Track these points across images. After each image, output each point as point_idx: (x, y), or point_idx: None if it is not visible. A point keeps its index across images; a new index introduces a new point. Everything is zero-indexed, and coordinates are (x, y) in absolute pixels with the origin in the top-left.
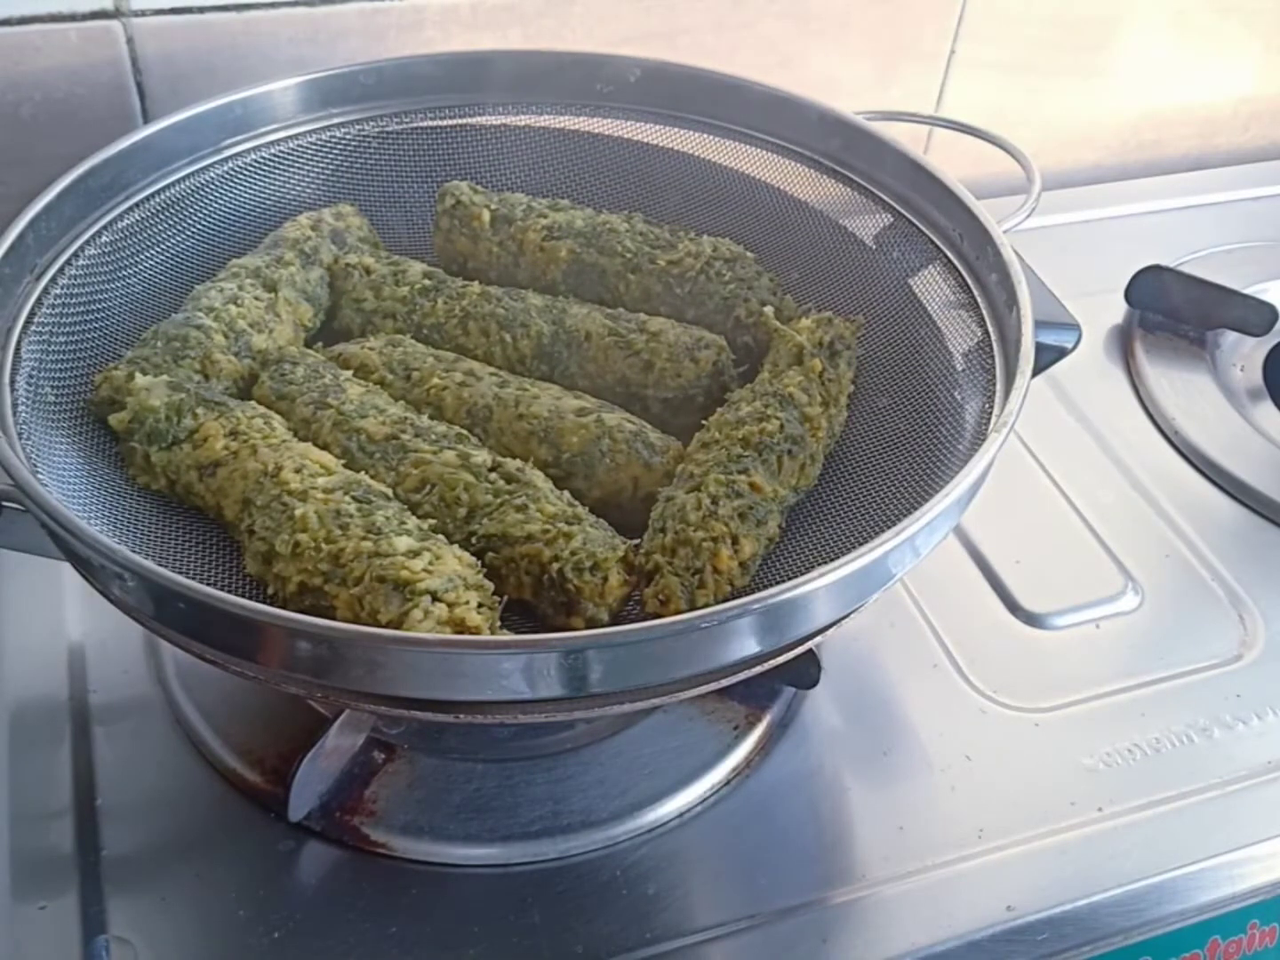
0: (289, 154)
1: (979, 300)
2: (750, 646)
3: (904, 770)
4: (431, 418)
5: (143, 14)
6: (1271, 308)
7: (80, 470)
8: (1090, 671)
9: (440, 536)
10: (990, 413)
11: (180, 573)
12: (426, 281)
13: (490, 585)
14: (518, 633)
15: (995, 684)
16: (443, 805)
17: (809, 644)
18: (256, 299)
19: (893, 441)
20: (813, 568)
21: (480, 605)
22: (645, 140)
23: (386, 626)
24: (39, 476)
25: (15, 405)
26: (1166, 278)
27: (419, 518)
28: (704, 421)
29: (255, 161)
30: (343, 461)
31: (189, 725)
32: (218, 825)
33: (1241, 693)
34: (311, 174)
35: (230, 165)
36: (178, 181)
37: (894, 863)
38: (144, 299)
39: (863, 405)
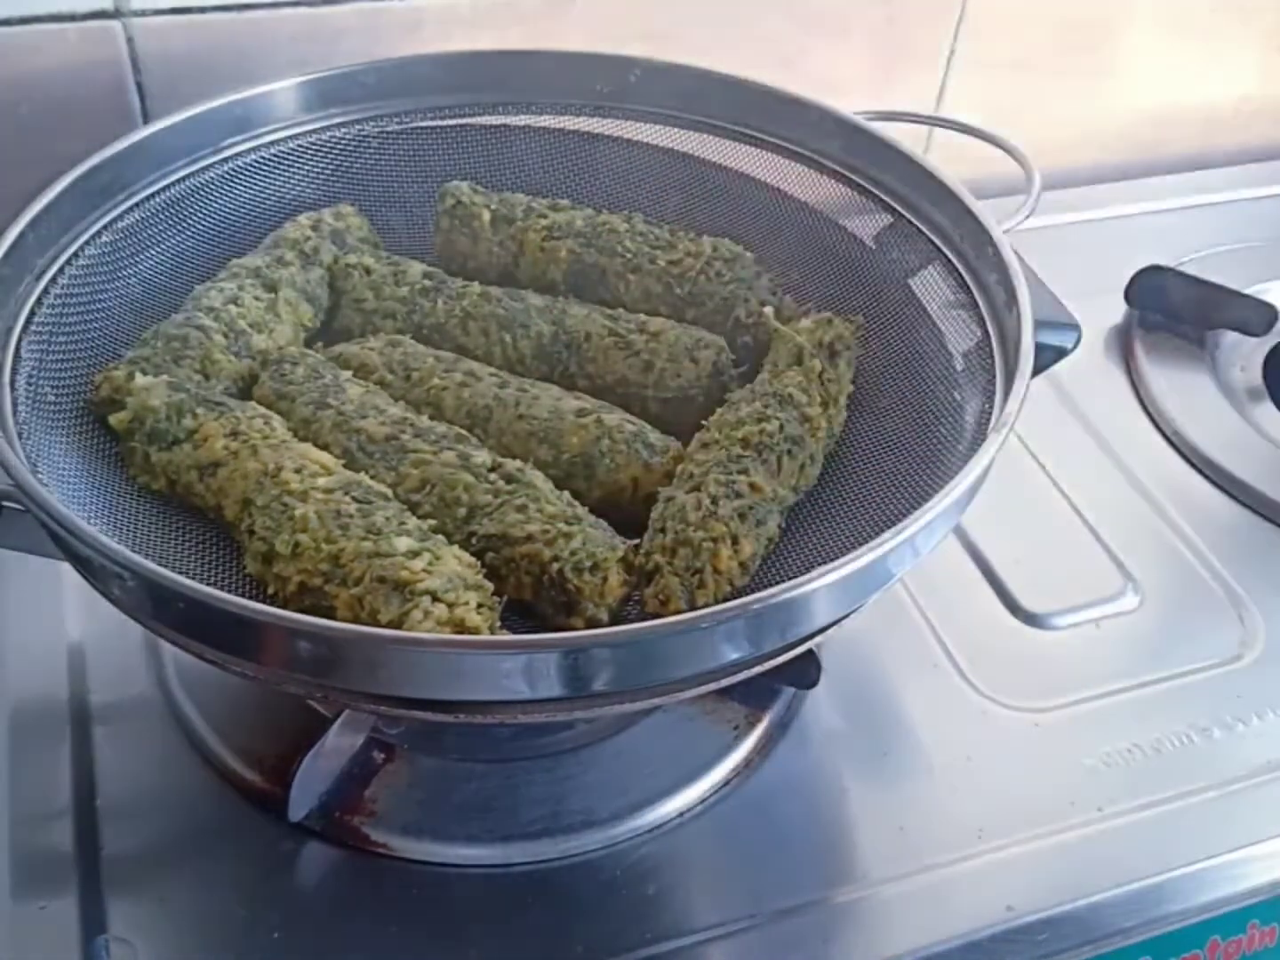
0: (289, 154)
1: (979, 300)
2: (750, 647)
3: (904, 770)
4: (431, 418)
5: (143, 14)
6: (1271, 308)
7: (80, 470)
8: (1090, 671)
9: (440, 537)
10: (990, 413)
11: (180, 573)
12: (426, 282)
13: (490, 585)
14: (518, 633)
15: (995, 684)
16: (443, 805)
17: (809, 644)
18: (256, 299)
19: (892, 442)
20: (813, 568)
21: (480, 605)
22: (645, 140)
23: (386, 626)
24: (39, 476)
25: (15, 405)
26: (1166, 278)
27: (419, 518)
28: (704, 421)
29: (255, 162)
30: (343, 462)
31: (189, 725)
32: (217, 825)
33: (1242, 693)
34: (311, 174)
35: (230, 165)
36: (178, 182)
37: (894, 863)
38: (144, 299)
39: (863, 405)
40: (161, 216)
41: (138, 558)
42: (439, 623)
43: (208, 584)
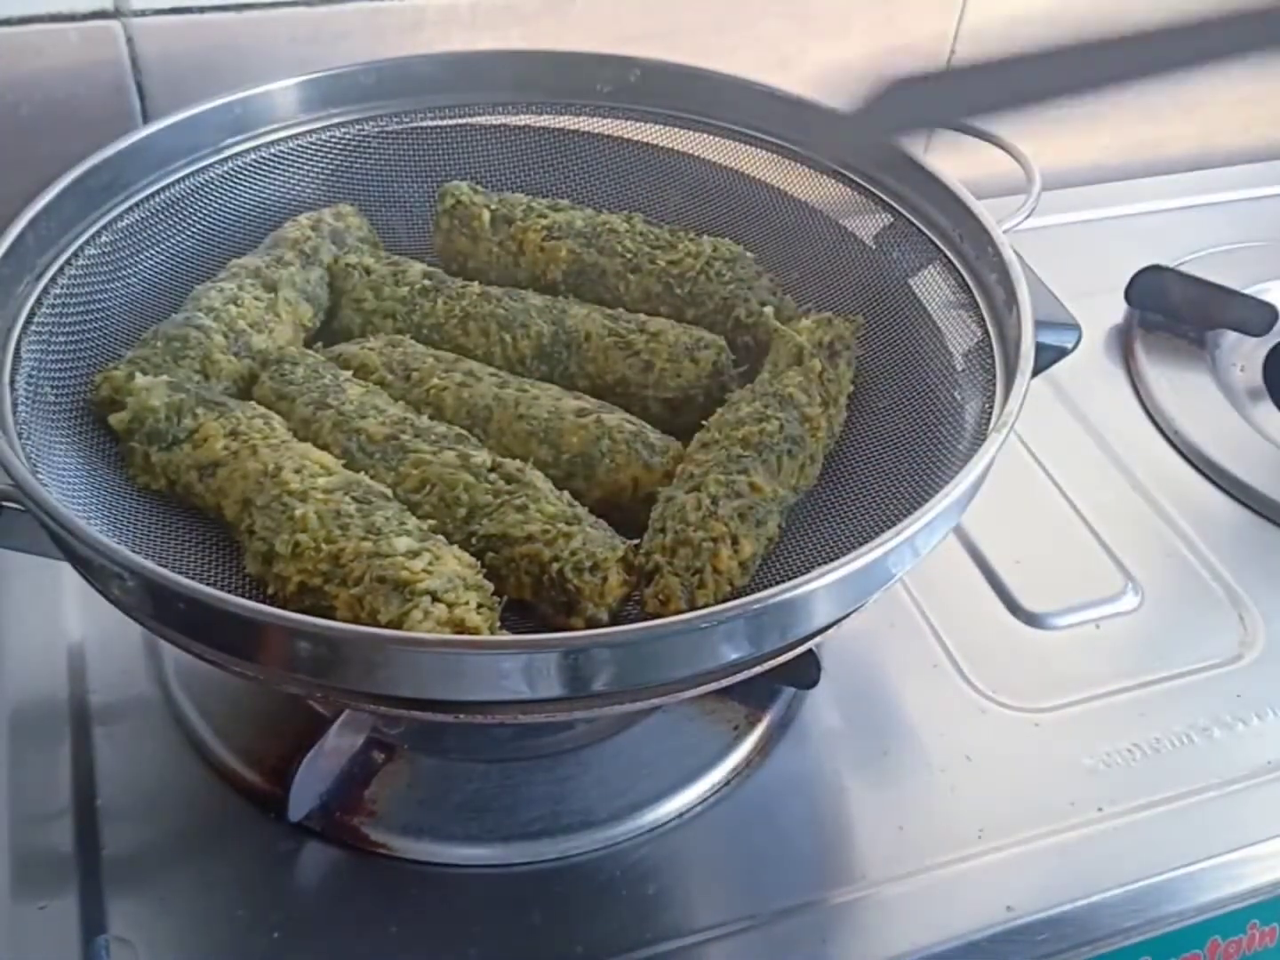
0: (289, 154)
1: (979, 300)
2: (750, 646)
3: (904, 770)
4: (431, 418)
5: (143, 14)
6: (1271, 308)
7: (80, 470)
8: (1090, 671)
9: (440, 537)
10: (990, 413)
11: (180, 573)
12: (426, 282)
13: (490, 585)
14: (518, 633)
15: (995, 684)
16: (442, 805)
17: (809, 644)
18: (256, 299)
19: (892, 441)
20: (813, 568)
21: (480, 605)
22: (645, 140)
23: (386, 626)
24: (39, 476)
25: (15, 405)
26: (1166, 278)
27: (419, 518)
28: (704, 421)
29: (255, 161)
30: (343, 462)
31: (189, 725)
32: (217, 825)
33: (1241, 692)
34: (311, 174)
35: (230, 165)
36: (177, 181)
37: (894, 863)
38: (144, 299)
39: (863, 405)
40: (161, 216)
41: (138, 558)
42: (439, 623)
43: (208, 584)
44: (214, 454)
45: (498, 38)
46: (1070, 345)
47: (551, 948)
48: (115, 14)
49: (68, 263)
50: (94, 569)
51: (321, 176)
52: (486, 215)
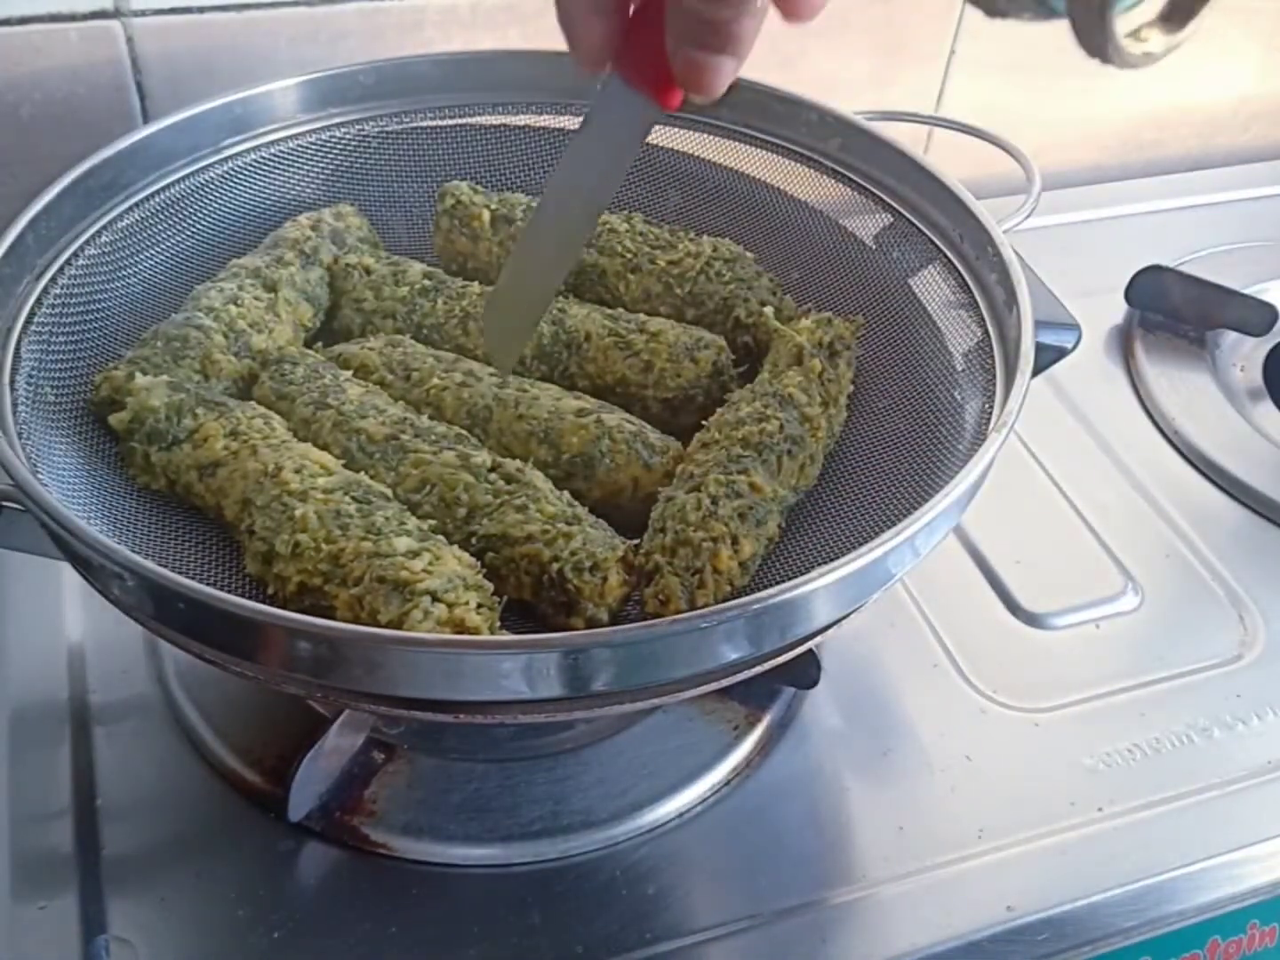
0: (289, 154)
1: (979, 300)
2: (750, 646)
3: (904, 770)
4: (431, 418)
5: (143, 14)
6: (1271, 308)
7: (80, 470)
8: (1090, 672)
9: (440, 537)
10: (990, 413)
11: (180, 573)
12: (426, 282)
13: (490, 586)
14: (518, 633)
15: (995, 684)
16: (442, 805)
17: (809, 644)
18: (256, 299)
19: (893, 441)
20: (813, 568)
21: (480, 605)
22: (645, 140)
23: (386, 626)
24: (39, 476)
25: (15, 405)
26: (1166, 278)
27: (419, 518)
28: (704, 422)
29: (255, 161)
30: (343, 462)
31: (189, 725)
32: (217, 825)
33: (1242, 693)
34: (311, 174)
35: (230, 165)
36: (178, 181)
37: (894, 863)
38: (144, 299)
39: (863, 405)
40: (161, 216)
41: (138, 558)
42: (439, 623)
43: (208, 584)
44: (214, 454)
45: (498, 38)
46: (1070, 345)
47: (551, 948)
48: (115, 14)
49: (68, 263)
50: (94, 569)
51: (321, 176)
52: (486, 215)
